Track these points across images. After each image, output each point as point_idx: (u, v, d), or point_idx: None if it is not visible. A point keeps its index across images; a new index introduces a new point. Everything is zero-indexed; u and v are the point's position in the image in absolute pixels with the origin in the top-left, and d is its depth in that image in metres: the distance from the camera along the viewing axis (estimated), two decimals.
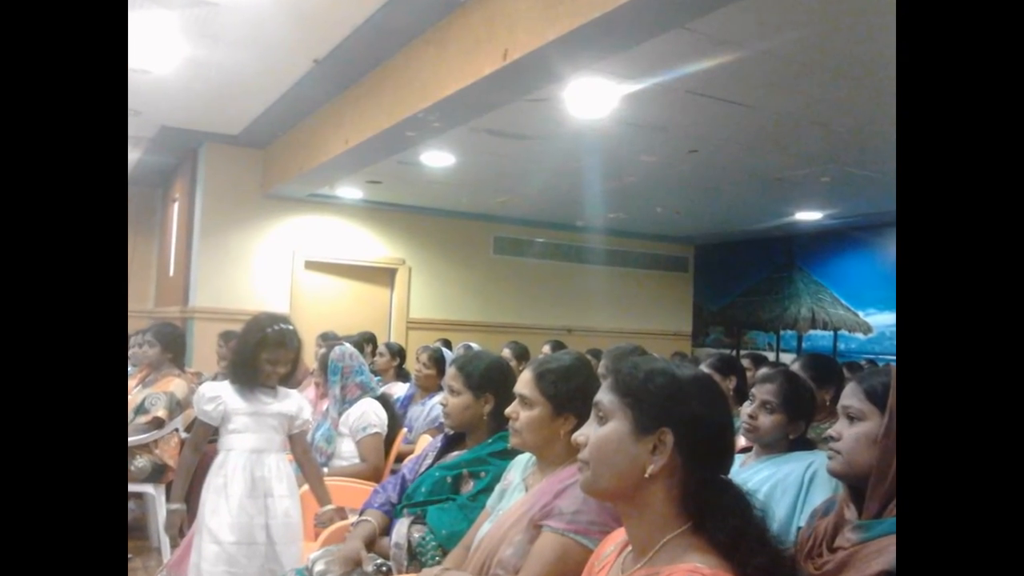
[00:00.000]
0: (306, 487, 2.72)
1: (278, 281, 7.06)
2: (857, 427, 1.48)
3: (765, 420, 2.16)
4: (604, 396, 1.28)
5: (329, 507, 2.62)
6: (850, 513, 1.41)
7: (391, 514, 2.24)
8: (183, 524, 2.60)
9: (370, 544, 2.15)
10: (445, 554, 1.96)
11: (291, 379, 2.69)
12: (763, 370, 3.48)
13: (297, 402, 2.65)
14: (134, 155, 7.15)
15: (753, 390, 2.24)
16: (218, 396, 2.52)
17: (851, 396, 1.51)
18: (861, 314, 8.14)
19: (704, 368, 3.13)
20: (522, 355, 5.24)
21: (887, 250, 7.84)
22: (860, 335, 8.13)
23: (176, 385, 3.95)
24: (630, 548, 1.27)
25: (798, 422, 2.17)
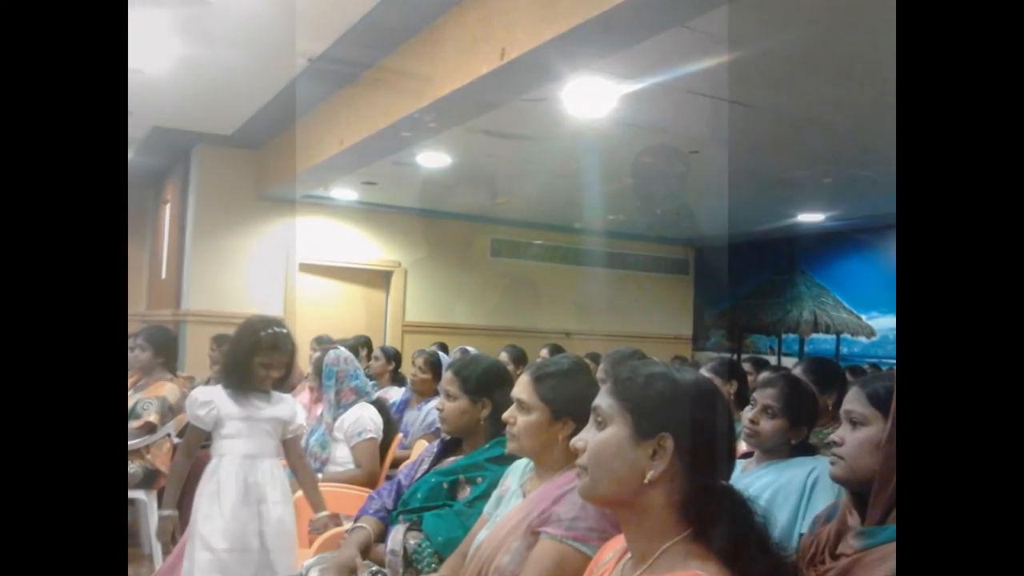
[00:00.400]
0: (300, 493, 2.69)
1: (272, 284, 7.02)
2: (860, 432, 1.47)
3: (766, 425, 2.15)
4: (603, 401, 1.26)
5: (324, 513, 2.60)
6: (853, 519, 1.40)
7: (387, 520, 2.22)
8: (175, 531, 2.60)
9: (365, 551, 2.13)
10: (441, 561, 1.95)
11: (285, 383, 2.67)
12: (764, 374, 3.44)
13: (291, 407, 2.62)
14: None
15: (754, 395, 2.23)
16: (211, 401, 2.50)
17: (854, 401, 1.51)
18: (864, 317, 8.10)
19: (704, 372, 3.11)
20: (520, 359, 5.22)
21: (890, 253, 7.78)
22: (863, 339, 8.09)
23: (168, 389, 3.92)
24: (629, 555, 1.26)
25: (800, 427, 2.16)
